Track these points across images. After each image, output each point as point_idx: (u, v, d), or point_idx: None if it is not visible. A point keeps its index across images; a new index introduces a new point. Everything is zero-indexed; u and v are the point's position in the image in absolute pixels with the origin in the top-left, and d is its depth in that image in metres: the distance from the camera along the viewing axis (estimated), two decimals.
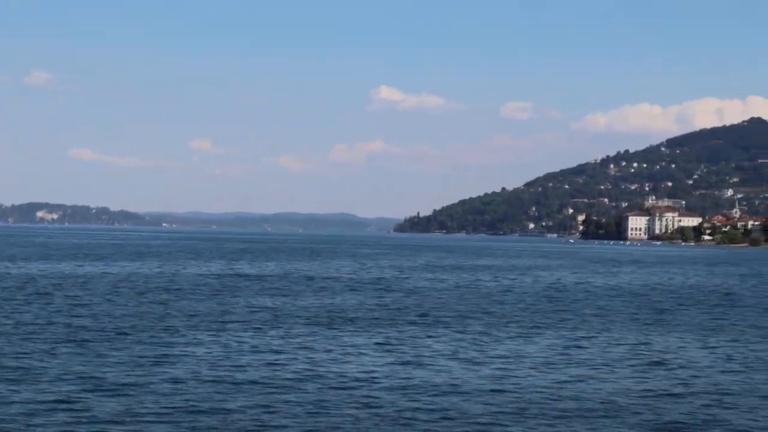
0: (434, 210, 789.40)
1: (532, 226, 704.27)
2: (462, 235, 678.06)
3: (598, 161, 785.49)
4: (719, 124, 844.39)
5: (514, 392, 27.12)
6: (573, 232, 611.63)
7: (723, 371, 32.28)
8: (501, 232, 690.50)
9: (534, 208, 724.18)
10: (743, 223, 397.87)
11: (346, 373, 30.08)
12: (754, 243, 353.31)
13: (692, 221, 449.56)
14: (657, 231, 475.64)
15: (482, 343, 38.17)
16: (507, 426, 22.87)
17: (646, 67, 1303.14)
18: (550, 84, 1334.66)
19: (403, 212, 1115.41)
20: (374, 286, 75.82)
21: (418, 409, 24.53)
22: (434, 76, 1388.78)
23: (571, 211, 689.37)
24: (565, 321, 48.74)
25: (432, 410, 24.43)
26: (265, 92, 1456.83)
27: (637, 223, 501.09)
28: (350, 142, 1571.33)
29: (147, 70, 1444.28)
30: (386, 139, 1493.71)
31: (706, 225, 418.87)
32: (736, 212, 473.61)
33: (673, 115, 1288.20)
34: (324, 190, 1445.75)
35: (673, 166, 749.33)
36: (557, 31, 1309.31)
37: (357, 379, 28.90)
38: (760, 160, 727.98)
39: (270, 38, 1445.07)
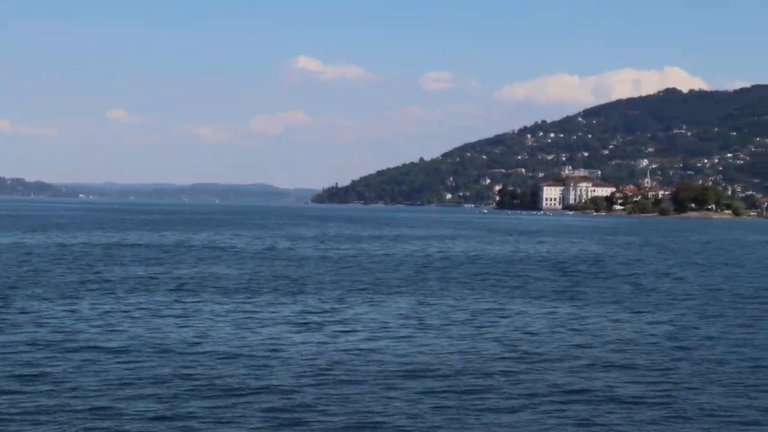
0: (352, 180, 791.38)
1: (449, 196, 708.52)
2: (380, 205, 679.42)
3: (516, 132, 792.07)
4: (637, 95, 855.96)
5: (325, 356, 27.66)
6: (489, 202, 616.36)
7: (533, 333, 33.34)
8: (419, 203, 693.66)
9: (451, 179, 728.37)
10: (654, 193, 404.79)
11: (169, 337, 30.49)
12: (664, 212, 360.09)
13: (606, 191, 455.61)
14: (571, 201, 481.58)
15: (329, 311, 38.73)
16: (299, 389, 23.36)
17: (565, 38, 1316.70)
18: (469, 54, 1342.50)
19: (322, 183, 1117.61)
20: (260, 256, 76.05)
21: (230, 376, 24.79)
22: (353, 46, 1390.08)
23: (488, 181, 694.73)
24: (424, 289, 49.48)
25: (242, 375, 24.75)
26: (182, 61, 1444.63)
27: (551, 193, 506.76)
28: (269, 113, 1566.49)
29: (63, 40, 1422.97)
30: (306, 110, 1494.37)
31: (618, 195, 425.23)
32: (647, 182, 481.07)
33: (591, 85, 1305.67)
34: (243, 160, 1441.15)
35: (590, 136, 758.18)
36: (478, 2, 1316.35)
37: (184, 343, 29.31)
38: (675, 131, 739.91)
39: (189, 7, 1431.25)
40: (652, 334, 33.79)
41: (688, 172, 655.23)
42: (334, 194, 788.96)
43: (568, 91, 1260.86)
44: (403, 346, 29.77)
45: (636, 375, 25.75)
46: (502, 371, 25.82)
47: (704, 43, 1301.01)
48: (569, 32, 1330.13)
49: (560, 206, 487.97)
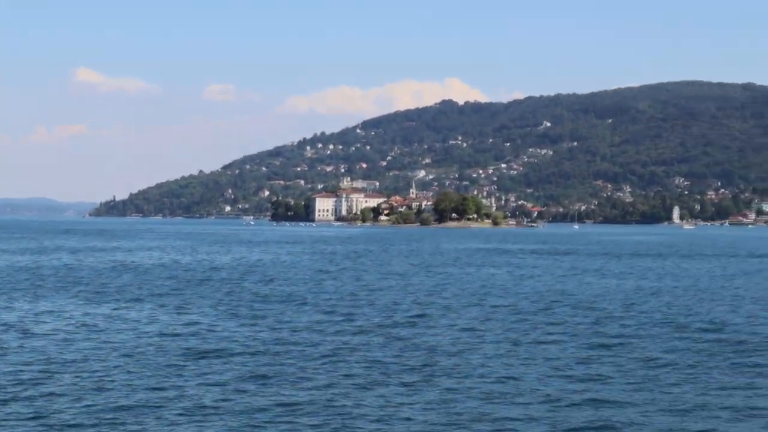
0: (131, 194, 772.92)
1: (228, 208, 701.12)
2: (159, 218, 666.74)
3: (295, 144, 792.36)
4: (418, 106, 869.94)
5: None
6: (267, 214, 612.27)
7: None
8: (197, 215, 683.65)
9: (230, 191, 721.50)
10: (418, 204, 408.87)
11: None
12: (425, 223, 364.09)
13: (376, 202, 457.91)
14: (343, 212, 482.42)
15: None
16: None
17: (348, 50, 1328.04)
18: (252, 66, 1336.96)
19: (103, 197, 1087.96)
20: None
21: None
22: (134, 58, 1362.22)
23: (267, 193, 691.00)
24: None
25: None
26: None
27: (324, 205, 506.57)
28: (50, 124, 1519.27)
29: None
30: (87, 122, 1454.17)
31: (384, 206, 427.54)
32: (413, 193, 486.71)
33: (373, 97, 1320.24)
34: (22, 173, 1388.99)
35: (368, 147, 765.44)
36: (261, 14, 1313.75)
37: None
38: (451, 142, 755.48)
39: None
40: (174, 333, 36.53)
41: (464, 183, 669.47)
42: (113, 207, 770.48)
43: (350, 103, 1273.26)
44: None
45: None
46: None
47: (483, 55, 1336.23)
48: (351, 44, 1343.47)
49: (333, 217, 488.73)
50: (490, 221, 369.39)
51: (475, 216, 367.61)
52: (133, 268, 79.55)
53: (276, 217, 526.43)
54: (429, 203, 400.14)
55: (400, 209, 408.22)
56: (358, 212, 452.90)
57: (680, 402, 24.50)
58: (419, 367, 29.01)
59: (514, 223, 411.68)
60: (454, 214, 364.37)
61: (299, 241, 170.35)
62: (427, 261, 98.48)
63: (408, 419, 22.39)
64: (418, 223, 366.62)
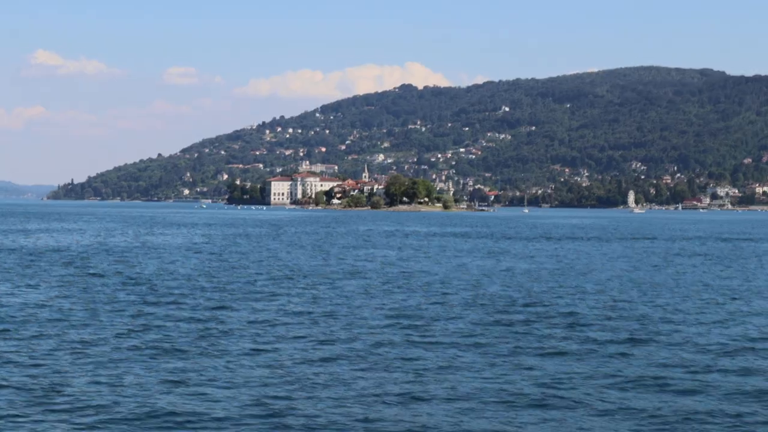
0: (89, 176, 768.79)
1: (187, 192, 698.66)
2: (117, 201, 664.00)
3: (254, 127, 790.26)
4: (378, 90, 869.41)
5: None
6: (225, 197, 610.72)
7: None
8: (156, 199, 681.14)
9: (189, 175, 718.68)
10: (370, 188, 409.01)
11: None
12: (375, 206, 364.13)
13: (330, 186, 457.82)
14: (299, 196, 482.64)
15: None
16: None
17: (308, 33, 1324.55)
18: (214, 49, 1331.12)
19: (63, 180, 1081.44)
20: None
21: None
22: (94, 40, 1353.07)
23: (225, 176, 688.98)
24: None
25: None
26: None
27: (279, 188, 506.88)
28: (8, 107, 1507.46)
29: None
30: (46, 105, 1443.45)
31: (337, 189, 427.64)
32: (365, 176, 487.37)
33: (334, 81, 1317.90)
34: None
35: (327, 131, 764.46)
36: None
37: None
38: (409, 126, 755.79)
39: None
40: None
41: (423, 167, 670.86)
42: (71, 190, 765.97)
43: (311, 87, 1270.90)
44: None
45: None
46: None
47: (443, 40, 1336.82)
48: (312, 28, 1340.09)
49: (288, 201, 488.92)
50: (440, 205, 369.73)
51: (426, 200, 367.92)
52: (17, 250, 79.07)
53: (232, 201, 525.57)
54: (380, 187, 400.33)
55: (352, 193, 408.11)
56: (313, 196, 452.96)
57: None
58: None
59: (465, 207, 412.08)
60: (405, 198, 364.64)
61: (229, 223, 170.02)
62: (317, 243, 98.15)
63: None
64: (369, 207, 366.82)
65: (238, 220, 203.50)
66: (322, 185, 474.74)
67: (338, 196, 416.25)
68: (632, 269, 64.90)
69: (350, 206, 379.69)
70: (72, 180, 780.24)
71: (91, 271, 56.58)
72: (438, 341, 30.45)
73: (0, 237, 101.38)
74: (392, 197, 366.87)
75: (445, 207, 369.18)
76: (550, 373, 25.41)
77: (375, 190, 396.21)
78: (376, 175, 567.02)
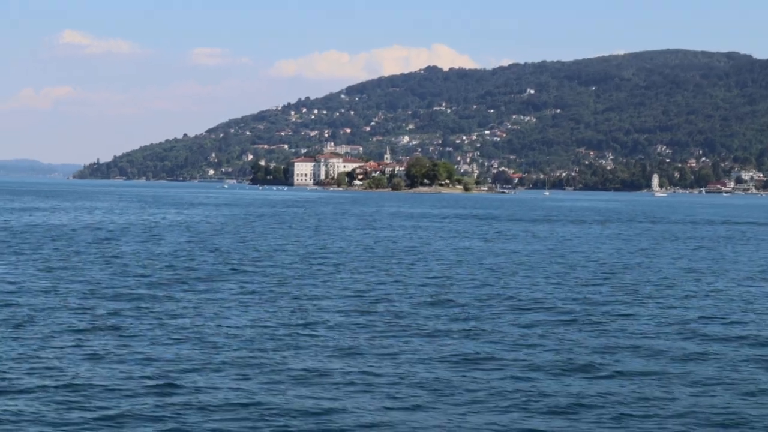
0: (114, 156, 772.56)
1: (212, 172, 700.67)
2: (142, 181, 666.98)
3: (280, 108, 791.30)
4: (404, 72, 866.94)
5: None
6: (249, 178, 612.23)
7: None
8: (181, 179, 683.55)
9: (214, 155, 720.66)
10: (391, 169, 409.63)
11: None
12: (396, 188, 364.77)
13: (352, 167, 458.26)
14: (322, 177, 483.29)
15: None
16: None
17: (336, 14, 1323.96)
18: (242, 31, 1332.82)
19: (90, 159, 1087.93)
20: None
21: None
22: (123, 20, 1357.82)
23: (250, 157, 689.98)
24: None
25: None
26: None
27: (303, 169, 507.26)
28: (37, 87, 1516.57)
29: None
30: (74, 84, 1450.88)
31: (358, 171, 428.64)
32: (387, 158, 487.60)
33: (361, 62, 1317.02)
34: (8, 135, 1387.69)
35: (352, 113, 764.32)
36: None
37: None
38: (435, 108, 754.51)
39: None
40: None
41: (447, 149, 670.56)
42: (97, 170, 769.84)
43: (338, 68, 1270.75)
44: None
45: None
46: None
47: (471, 22, 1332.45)
48: (339, 9, 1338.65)
49: (311, 182, 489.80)
50: (461, 187, 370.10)
51: (447, 182, 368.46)
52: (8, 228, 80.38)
53: (256, 181, 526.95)
54: (401, 168, 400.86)
55: (373, 174, 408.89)
56: (335, 177, 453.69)
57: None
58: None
59: (486, 189, 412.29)
60: (425, 180, 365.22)
61: (249, 204, 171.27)
62: (324, 225, 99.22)
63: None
64: (390, 188, 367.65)
65: (258, 199, 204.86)
66: (344, 166, 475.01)
67: (360, 177, 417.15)
68: (614, 251, 65.59)
69: (371, 187, 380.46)
70: (98, 159, 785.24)
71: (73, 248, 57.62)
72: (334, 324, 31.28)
73: (23, 215, 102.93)
74: (413, 179, 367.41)
75: (466, 189, 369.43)
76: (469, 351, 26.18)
77: (396, 172, 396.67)
78: (399, 157, 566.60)
